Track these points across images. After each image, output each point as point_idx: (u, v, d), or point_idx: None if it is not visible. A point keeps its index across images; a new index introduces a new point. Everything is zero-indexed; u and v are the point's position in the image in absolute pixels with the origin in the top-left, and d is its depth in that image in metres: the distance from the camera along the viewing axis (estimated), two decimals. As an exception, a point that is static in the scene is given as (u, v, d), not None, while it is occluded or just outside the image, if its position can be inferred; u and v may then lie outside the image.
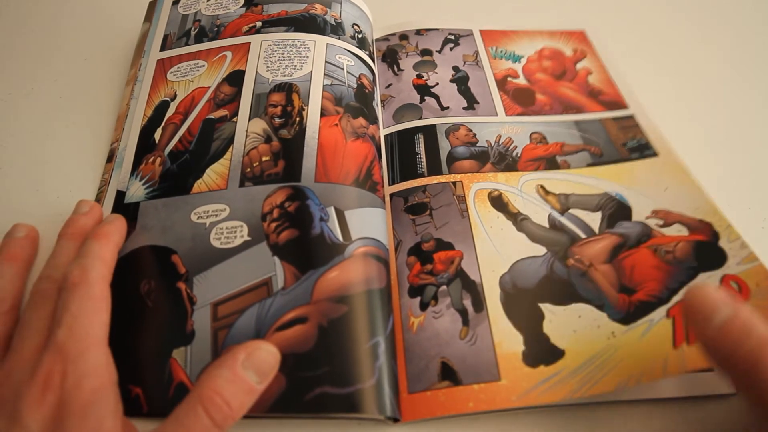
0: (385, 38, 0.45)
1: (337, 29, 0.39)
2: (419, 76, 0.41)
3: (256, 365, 0.24)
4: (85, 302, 0.25)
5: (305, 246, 0.29)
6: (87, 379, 0.23)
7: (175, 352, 0.27)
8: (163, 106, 0.36)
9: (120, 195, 0.33)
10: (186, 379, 0.26)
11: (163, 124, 0.35)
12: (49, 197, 0.34)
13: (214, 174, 0.32)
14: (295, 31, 0.38)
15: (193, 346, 0.27)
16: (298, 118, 0.34)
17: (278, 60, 0.36)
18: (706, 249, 0.31)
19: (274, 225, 0.30)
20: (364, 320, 0.27)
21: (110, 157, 0.35)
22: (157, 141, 0.34)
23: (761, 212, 0.35)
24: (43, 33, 0.45)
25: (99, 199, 0.33)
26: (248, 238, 0.30)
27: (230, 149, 0.33)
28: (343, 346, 0.26)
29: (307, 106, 0.34)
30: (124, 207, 0.32)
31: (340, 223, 0.30)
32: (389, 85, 0.41)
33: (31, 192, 0.35)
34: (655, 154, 0.37)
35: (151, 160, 0.34)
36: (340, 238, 0.29)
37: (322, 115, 0.34)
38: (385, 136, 0.38)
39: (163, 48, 0.39)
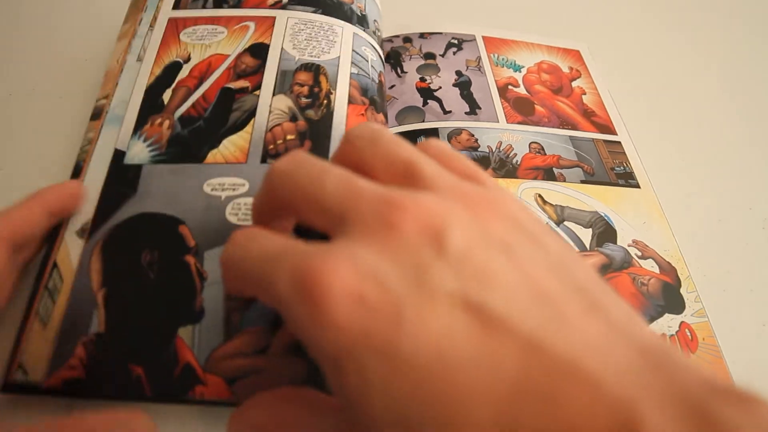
0: (389, 39, 0.43)
1: (362, 21, 0.37)
2: (422, 79, 0.40)
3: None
4: None
5: None
6: None
7: (181, 330, 0.23)
8: (175, 67, 0.32)
9: (118, 156, 0.28)
10: (194, 360, 0.23)
11: (173, 86, 0.31)
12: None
13: (232, 146, 0.29)
14: (322, 13, 0.36)
15: (203, 326, 0.24)
16: (325, 101, 0.31)
17: (305, 39, 0.34)
18: (672, 292, 0.32)
19: None
20: None
21: (97, 115, 0.31)
22: (165, 103, 0.30)
23: (761, 212, 0.37)
24: (43, 32, 0.40)
25: (83, 159, 0.29)
26: None
27: (251, 123, 0.30)
28: None
29: (335, 90, 0.32)
30: (122, 169, 0.28)
31: None
32: (392, 86, 0.40)
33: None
34: (638, 186, 0.38)
35: (158, 121, 0.30)
36: None
37: (350, 102, 0.32)
38: (387, 137, 0.36)
39: (176, 7, 0.35)
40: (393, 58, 0.42)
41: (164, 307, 0.24)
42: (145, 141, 0.29)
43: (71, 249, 0.26)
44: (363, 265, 0.15)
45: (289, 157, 0.19)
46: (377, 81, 0.35)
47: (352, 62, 0.34)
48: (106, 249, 0.25)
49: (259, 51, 0.33)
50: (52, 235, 0.26)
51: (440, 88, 0.40)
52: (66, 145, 0.33)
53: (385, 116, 0.34)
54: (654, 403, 0.12)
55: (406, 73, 0.41)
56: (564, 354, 0.13)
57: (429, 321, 0.14)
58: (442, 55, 0.43)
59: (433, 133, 0.37)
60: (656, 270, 0.33)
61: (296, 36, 0.34)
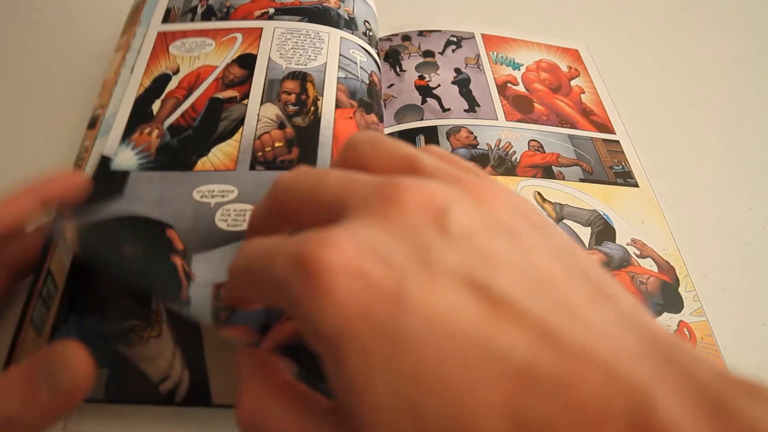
0: (388, 38, 0.43)
1: (350, 24, 0.37)
2: (421, 78, 0.40)
3: (50, 370, 0.18)
4: None
5: None
6: None
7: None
8: (164, 78, 0.33)
9: (104, 162, 0.29)
10: None
11: (163, 96, 0.32)
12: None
13: (221, 154, 0.30)
14: (308, 21, 0.36)
15: (190, 312, 0.24)
16: (312, 108, 0.32)
17: (292, 48, 0.34)
18: (670, 291, 0.31)
19: None
20: None
21: (93, 124, 0.32)
22: (155, 113, 0.31)
23: (761, 212, 0.36)
24: (44, 33, 0.42)
25: (78, 166, 0.30)
26: None
27: (240, 131, 0.30)
28: None
29: (322, 96, 0.32)
30: (109, 174, 0.28)
31: None
32: (391, 85, 0.40)
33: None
34: (636, 185, 0.37)
35: (147, 131, 0.30)
36: None
37: (337, 106, 0.32)
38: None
39: (165, 21, 0.36)
40: (392, 57, 0.42)
41: (144, 285, 0.25)
42: (133, 149, 0.30)
43: (64, 256, 0.26)
44: (363, 241, 0.14)
45: (294, 170, 0.20)
46: (367, 82, 0.35)
47: (340, 66, 0.34)
48: (83, 232, 0.25)
49: (247, 61, 0.34)
50: (46, 243, 0.27)
51: (439, 86, 0.40)
52: (66, 145, 0.34)
53: (379, 117, 0.34)
54: (669, 389, 0.12)
55: (405, 71, 0.41)
56: (575, 339, 0.13)
57: (432, 297, 0.13)
58: (441, 53, 0.42)
59: (432, 130, 0.36)
60: (655, 269, 0.32)
61: (283, 45, 0.34)
